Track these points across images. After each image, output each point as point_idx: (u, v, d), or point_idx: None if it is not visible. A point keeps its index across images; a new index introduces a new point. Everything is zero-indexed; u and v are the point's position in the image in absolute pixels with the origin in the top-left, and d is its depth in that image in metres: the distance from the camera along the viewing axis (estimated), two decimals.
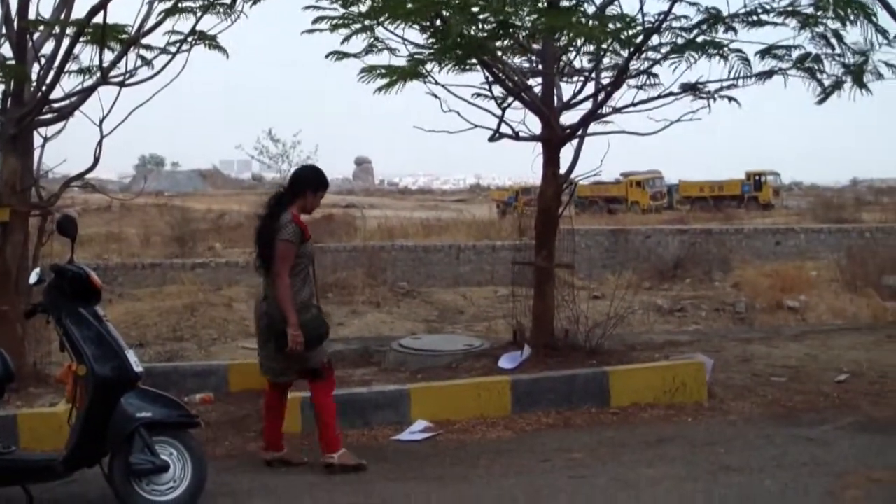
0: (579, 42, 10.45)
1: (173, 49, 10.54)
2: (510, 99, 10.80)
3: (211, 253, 36.36)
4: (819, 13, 9.79)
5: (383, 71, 9.73)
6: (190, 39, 10.47)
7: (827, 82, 10.71)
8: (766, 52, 10.24)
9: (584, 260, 30.07)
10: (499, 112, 10.62)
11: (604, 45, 10.28)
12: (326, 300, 25.20)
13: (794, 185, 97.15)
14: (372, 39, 10.39)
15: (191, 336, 20.73)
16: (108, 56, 10.28)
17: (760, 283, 25.87)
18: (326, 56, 10.62)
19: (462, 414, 9.09)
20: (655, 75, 10.60)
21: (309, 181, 7.81)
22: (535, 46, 10.91)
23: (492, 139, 10.67)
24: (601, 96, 10.69)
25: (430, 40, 10.06)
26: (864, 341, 12.05)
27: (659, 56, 10.15)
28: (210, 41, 10.66)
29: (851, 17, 9.51)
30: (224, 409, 10.01)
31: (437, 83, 10.17)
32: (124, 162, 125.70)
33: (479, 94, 10.99)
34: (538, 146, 10.98)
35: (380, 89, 9.78)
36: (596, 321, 11.04)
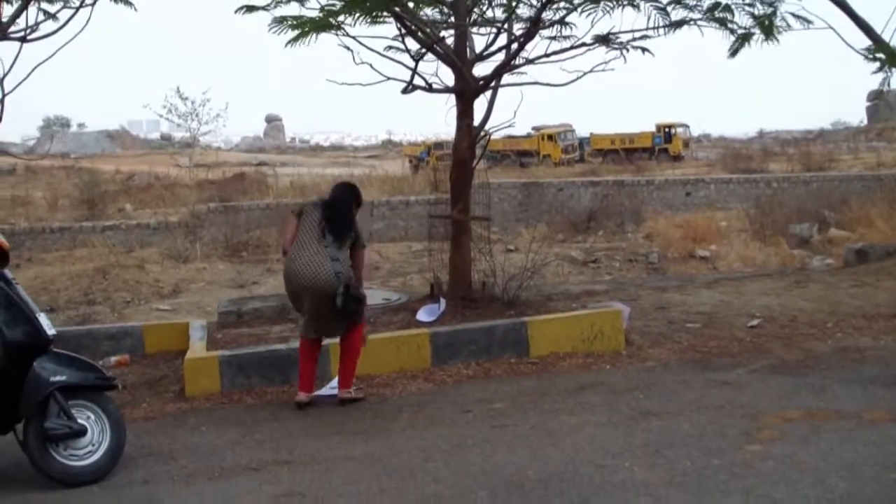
0: None
1: (77, 2, 10.24)
2: (423, 51, 10.73)
3: (121, 215, 35.78)
4: None
5: (294, 22, 9.58)
6: None
7: (738, 33, 10.83)
8: (676, 1, 10.30)
9: (497, 214, 30.17)
10: (412, 65, 10.54)
11: None
12: (241, 259, 25.04)
13: (702, 137, 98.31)
14: None
15: (103, 299, 20.40)
16: (8, 10, 9.96)
17: (672, 233, 26.21)
18: (235, 11, 10.41)
19: (382, 368, 9.07)
20: (569, 25, 10.59)
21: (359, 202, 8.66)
22: None
23: (405, 91, 10.59)
24: (514, 47, 10.67)
25: None
26: (774, 287, 12.26)
27: (572, 6, 10.13)
28: None
29: None
30: (141, 371, 9.87)
31: (348, 35, 10.05)
32: (28, 124, 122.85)
33: (391, 47, 10.90)
34: (452, 99, 10.94)
35: (291, 41, 9.64)
36: (512, 273, 11.08)
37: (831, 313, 10.63)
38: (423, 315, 10.33)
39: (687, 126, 71.85)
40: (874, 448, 6.17)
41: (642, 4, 10.07)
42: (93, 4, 10.28)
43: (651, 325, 10.30)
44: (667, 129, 68.33)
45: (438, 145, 64.68)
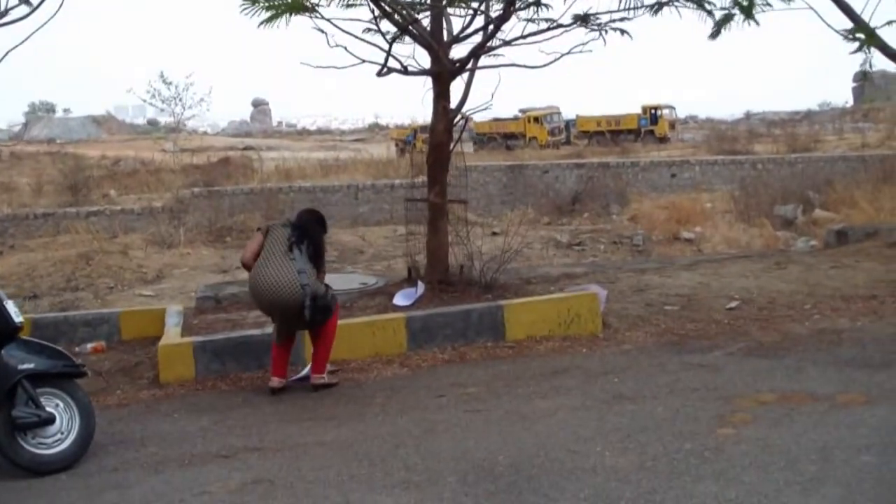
0: None
1: None
2: (398, 33, 10.62)
3: (106, 200, 35.62)
4: None
5: (267, 4, 9.48)
6: None
7: (718, 14, 10.79)
8: None
9: (482, 196, 30.13)
10: (387, 47, 10.44)
11: None
12: (225, 244, 24.94)
13: (689, 119, 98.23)
14: None
15: (87, 286, 20.31)
16: None
17: (657, 215, 26.23)
18: None
19: (357, 353, 9.03)
20: (545, 6, 10.50)
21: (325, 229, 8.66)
22: None
23: (380, 74, 10.48)
24: (490, 28, 10.58)
25: None
26: (754, 269, 12.23)
27: None
28: None
29: None
30: (116, 358, 9.81)
31: (322, 18, 9.94)
32: (13, 109, 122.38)
33: (368, 30, 10.79)
34: (429, 81, 10.85)
35: (264, 22, 9.54)
36: (491, 256, 11.04)
37: (809, 295, 10.61)
38: (399, 299, 10.28)
39: (673, 108, 71.80)
40: (846, 431, 6.15)
41: None
42: None
43: (629, 308, 10.26)
44: (653, 111, 68.22)
45: (425, 128, 64.50)
